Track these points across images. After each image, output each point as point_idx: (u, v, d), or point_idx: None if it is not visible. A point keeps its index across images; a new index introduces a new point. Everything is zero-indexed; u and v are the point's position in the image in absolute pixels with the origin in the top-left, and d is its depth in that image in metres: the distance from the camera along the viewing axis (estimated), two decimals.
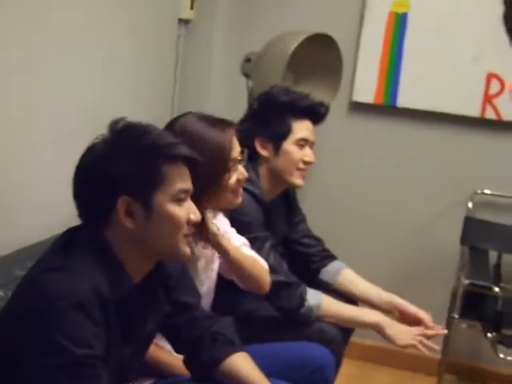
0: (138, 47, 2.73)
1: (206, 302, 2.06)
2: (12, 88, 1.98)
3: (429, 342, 2.26)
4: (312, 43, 2.85)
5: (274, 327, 2.37)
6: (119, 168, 1.47)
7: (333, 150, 3.37)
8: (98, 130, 1.55)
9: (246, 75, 2.98)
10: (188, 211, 1.54)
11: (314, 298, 2.34)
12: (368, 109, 3.32)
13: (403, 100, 3.25)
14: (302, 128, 2.41)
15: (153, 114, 2.90)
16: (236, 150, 1.98)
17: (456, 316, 2.73)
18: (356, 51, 3.27)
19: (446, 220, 3.27)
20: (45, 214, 2.16)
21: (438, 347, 2.32)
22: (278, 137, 2.39)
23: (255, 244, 2.28)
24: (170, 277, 1.67)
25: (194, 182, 1.56)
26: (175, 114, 2.99)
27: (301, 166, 2.41)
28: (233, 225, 2.23)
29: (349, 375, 3.25)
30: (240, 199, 2.03)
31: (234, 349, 1.77)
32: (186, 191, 1.54)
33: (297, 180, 2.43)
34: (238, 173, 1.99)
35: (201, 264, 2.05)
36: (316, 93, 2.93)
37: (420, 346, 2.24)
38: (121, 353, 1.53)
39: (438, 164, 3.30)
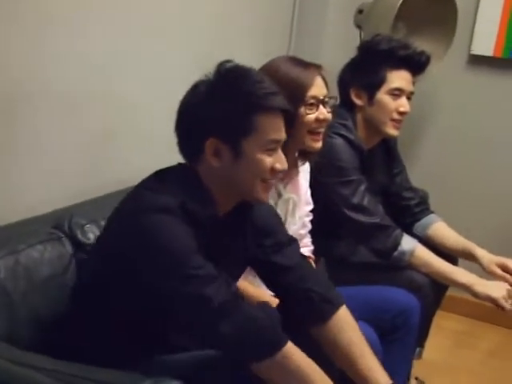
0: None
1: None
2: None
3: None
4: None
5: (366, 272, 2.42)
6: (213, 110, 1.55)
7: (449, 104, 3.33)
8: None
9: (359, 26, 3.00)
10: (275, 159, 1.59)
11: (409, 243, 2.36)
12: (488, 62, 3.24)
13: None
14: (397, 78, 2.38)
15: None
16: (318, 88, 2.00)
17: None
18: (477, 3, 3.18)
19: None
20: None
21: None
22: (371, 86, 2.39)
23: (349, 186, 2.33)
24: (256, 217, 1.72)
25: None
26: None
27: (395, 116, 2.40)
28: (325, 169, 2.30)
29: (458, 331, 3.28)
30: (320, 144, 2.06)
31: (332, 308, 1.74)
32: (277, 141, 1.59)
33: (391, 130, 2.43)
34: (319, 112, 2.01)
35: (288, 208, 2.12)
36: (429, 45, 2.92)
37: (503, 302, 2.24)
38: None
39: None
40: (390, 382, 1.68)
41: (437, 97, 3.34)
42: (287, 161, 1.63)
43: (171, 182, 1.56)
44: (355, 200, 2.33)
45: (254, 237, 1.73)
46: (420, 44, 2.87)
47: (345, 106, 2.45)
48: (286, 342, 1.52)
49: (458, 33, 3.04)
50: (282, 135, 1.60)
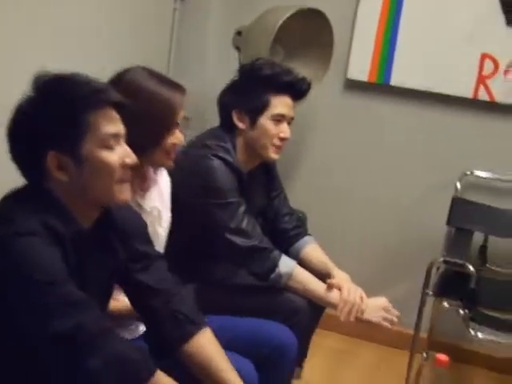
0: (134, 22, 2.79)
1: None
2: None
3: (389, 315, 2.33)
4: (304, 19, 2.89)
5: (245, 295, 2.41)
6: (42, 124, 1.49)
7: (327, 127, 3.41)
8: None
9: (238, 48, 3.02)
10: (122, 155, 1.54)
11: (287, 265, 2.36)
12: (362, 87, 3.34)
13: (397, 79, 3.26)
14: (280, 103, 2.40)
15: None
16: (181, 113, 1.97)
17: (429, 292, 2.75)
18: (352, 29, 3.28)
19: (434, 200, 3.29)
20: None
21: (395, 318, 2.35)
22: (254, 111, 2.39)
23: (227, 209, 2.33)
24: (123, 223, 1.67)
25: (128, 128, 1.56)
26: None
27: (276, 142, 2.41)
28: (202, 191, 2.29)
29: (335, 349, 3.33)
30: (171, 163, 2.01)
31: (196, 328, 1.74)
32: (115, 135, 1.54)
33: (272, 154, 2.44)
34: (175, 137, 1.97)
35: (153, 219, 2.07)
36: (307, 68, 2.99)
37: (385, 324, 2.30)
38: None
39: (428, 143, 3.31)
40: None
41: (315, 119, 3.42)
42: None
43: (25, 205, 1.49)
44: (233, 223, 2.32)
45: (123, 243, 1.68)
46: (298, 67, 2.94)
47: (225, 128, 2.45)
48: (154, 371, 1.50)
49: (335, 57, 3.12)
50: (118, 128, 1.54)
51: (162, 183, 2.15)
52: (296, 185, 3.35)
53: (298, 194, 3.12)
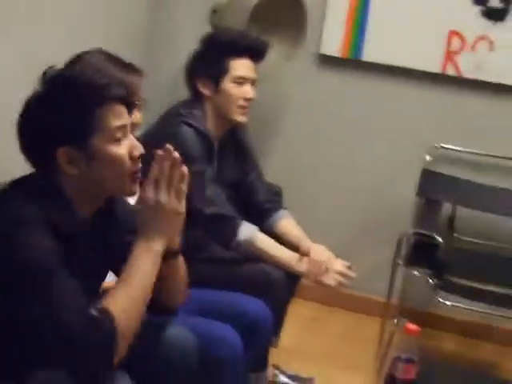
0: None
1: None
2: None
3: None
4: None
5: (221, 267, 2.48)
6: (52, 121, 1.54)
7: (301, 101, 3.48)
8: None
9: (214, 26, 3.07)
10: (129, 147, 1.60)
11: (247, 231, 2.43)
12: (335, 62, 3.41)
13: (368, 54, 3.34)
14: (239, 66, 2.51)
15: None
16: (139, 95, 2.01)
17: (400, 262, 2.87)
18: (324, 6, 3.34)
19: (404, 172, 3.39)
20: None
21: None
22: (216, 76, 2.50)
23: (195, 176, 2.38)
24: (119, 212, 1.73)
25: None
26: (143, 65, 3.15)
27: (241, 102, 2.52)
28: None
29: (305, 316, 3.43)
30: None
31: None
32: (122, 127, 1.59)
33: (238, 117, 2.55)
34: (134, 117, 1.94)
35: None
36: (281, 45, 3.07)
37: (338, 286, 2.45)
38: None
39: (399, 117, 3.41)
40: None
41: (289, 95, 3.49)
42: None
43: (32, 194, 1.54)
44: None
45: (119, 232, 1.74)
46: (273, 44, 3.02)
47: (193, 97, 2.56)
48: None
49: (309, 34, 3.18)
50: (125, 120, 1.60)
51: None
52: (271, 160, 3.42)
53: (273, 169, 3.20)
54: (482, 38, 3.20)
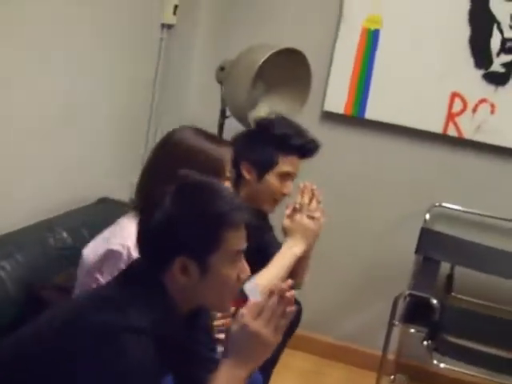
0: (121, 49, 2.90)
1: None
2: None
3: None
4: (284, 56, 3.01)
5: None
6: (182, 232, 1.54)
7: None
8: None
9: (220, 82, 3.14)
10: (240, 270, 1.61)
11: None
12: (338, 119, 3.49)
13: (371, 113, 3.41)
14: (288, 163, 2.47)
15: (131, 114, 3.10)
16: (229, 167, 2.05)
17: (396, 323, 2.89)
18: (329, 64, 3.43)
19: (403, 230, 3.44)
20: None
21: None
22: (262, 167, 2.46)
23: None
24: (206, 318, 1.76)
25: None
26: (153, 116, 3.23)
27: (278, 197, 2.49)
28: None
29: (304, 370, 3.44)
30: None
31: None
32: (242, 251, 1.61)
33: (269, 208, 2.52)
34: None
35: None
36: (286, 101, 3.12)
37: None
38: None
39: (400, 175, 3.47)
40: None
41: None
42: None
43: (140, 298, 1.54)
44: None
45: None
46: (278, 100, 3.08)
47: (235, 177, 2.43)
48: None
49: (313, 91, 3.23)
50: (244, 244, 1.62)
51: None
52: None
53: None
54: (483, 100, 3.27)
